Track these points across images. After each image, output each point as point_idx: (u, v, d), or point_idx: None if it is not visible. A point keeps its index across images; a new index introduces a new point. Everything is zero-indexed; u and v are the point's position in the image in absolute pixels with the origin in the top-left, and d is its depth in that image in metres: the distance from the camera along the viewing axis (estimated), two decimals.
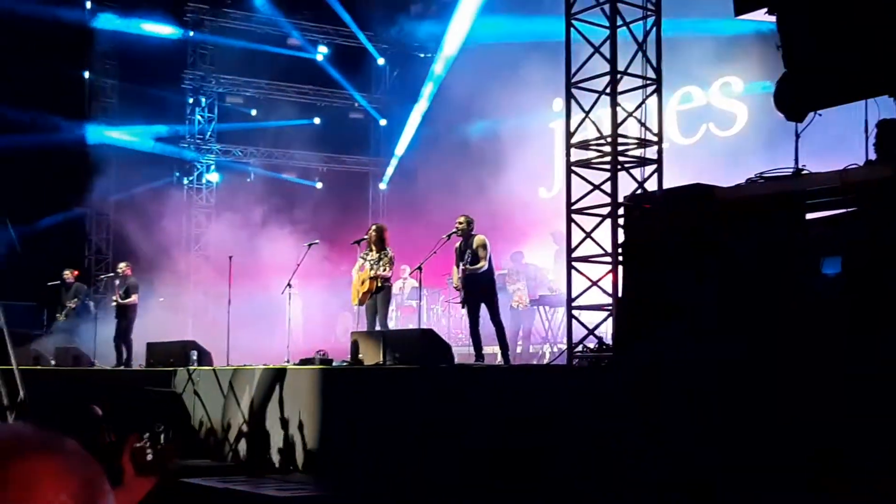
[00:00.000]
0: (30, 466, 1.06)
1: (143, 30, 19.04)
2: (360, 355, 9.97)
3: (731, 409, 5.87)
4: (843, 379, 5.43)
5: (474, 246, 10.56)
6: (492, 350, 11.35)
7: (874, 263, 5.82)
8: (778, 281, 6.46)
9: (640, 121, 9.19)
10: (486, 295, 10.47)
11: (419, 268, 11.07)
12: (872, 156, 6.98)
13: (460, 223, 10.65)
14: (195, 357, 11.65)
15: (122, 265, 14.86)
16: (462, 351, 12.41)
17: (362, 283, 11.11)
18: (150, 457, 2.08)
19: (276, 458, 9.50)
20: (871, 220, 6.14)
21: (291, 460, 9.31)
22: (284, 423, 9.45)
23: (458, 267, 10.63)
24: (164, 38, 19.28)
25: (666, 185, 8.82)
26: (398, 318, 15.25)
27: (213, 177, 20.21)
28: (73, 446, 1.12)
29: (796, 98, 7.59)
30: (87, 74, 19.27)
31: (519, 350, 13.12)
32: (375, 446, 8.31)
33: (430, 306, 15.78)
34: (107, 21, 18.85)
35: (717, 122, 13.89)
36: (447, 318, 15.64)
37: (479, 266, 10.45)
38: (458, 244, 10.73)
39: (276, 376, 9.79)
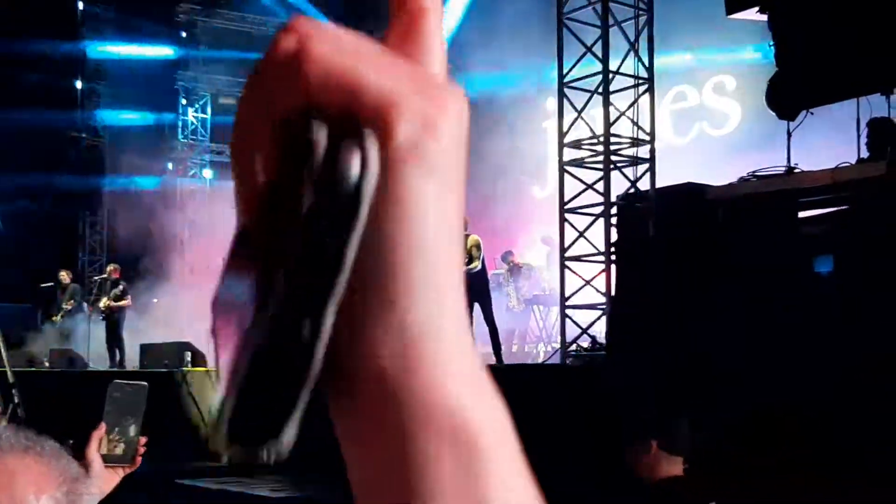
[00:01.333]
0: (9, 468, 1.06)
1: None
2: None
3: (727, 406, 5.89)
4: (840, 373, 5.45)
5: (468, 246, 10.55)
6: (486, 350, 11.35)
7: (866, 261, 5.84)
8: (770, 279, 6.48)
9: (632, 120, 9.20)
10: (479, 295, 10.46)
11: None
12: (865, 154, 7.01)
13: None
14: (189, 358, 11.63)
15: (110, 267, 14.83)
16: None
17: None
18: (118, 449, 2.09)
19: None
20: (862, 218, 6.16)
21: (286, 461, 9.29)
22: None
23: None
24: (159, 49, 19.40)
25: (659, 185, 8.83)
26: None
27: (207, 173, 20.17)
28: (53, 448, 1.12)
29: (788, 96, 7.62)
30: (78, 84, 19.26)
31: (514, 349, 13.12)
32: None
33: None
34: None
35: (710, 121, 13.92)
36: None
37: (472, 266, 10.44)
38: None
39: None
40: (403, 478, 0.35)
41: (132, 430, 2.11)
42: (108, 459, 2.06)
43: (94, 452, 2.03)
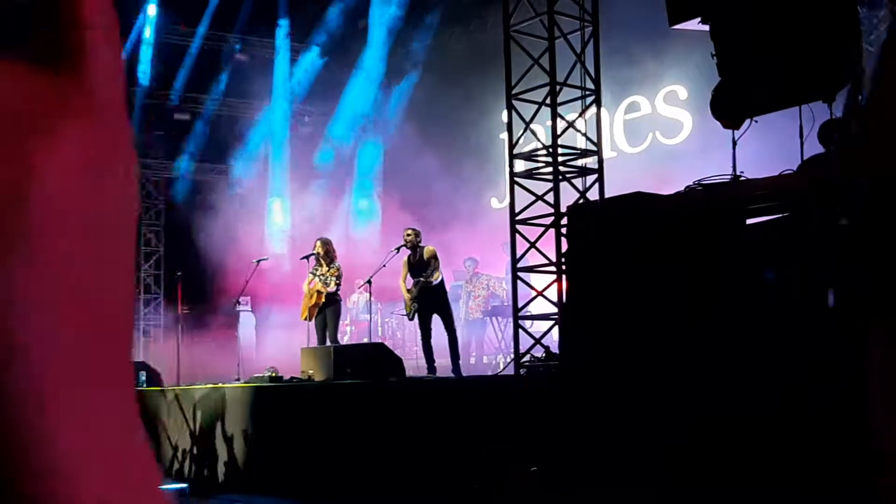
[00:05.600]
0: None
1: None
2: (309, 371, 9.89)
3: (671, 415, 5.91)
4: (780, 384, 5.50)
5: (426, 257, 10.52)
6: (446, 362, 11.32)
7: (803, 268, 5.90)
8: (719, 288, 6.52)
9: (580, 131, 9.25)
10: (439, 306, 10.41)
11: (369, 281, 11.02)
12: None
13: (408, 235, 10.61)
14: (143, 378, 11.51)
15: None
16: (420, 364, 12.37)
17: (310, 297, 11.06)
18: None
19: (222, 476, 9.40)
20: (799, 225, 6.23)
21: (238, 478, 9.22)
22: (231, 442, 9.36)
23: (406, 280, 10.59)
24: None
25: (612, 194, 8.87)
26: (353, 333, 15.16)
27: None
28: None
29: (732, 106, 7.69)
30: None
31: (472, 361, 13.10)
32: (325, 462, 8.25)
33: (384, 319, 15.72)
34: None
35: (662, 130, 14.03)
36: (402, 331, 15.57)
37: (435, 277, 10.42)
38: (406, 257, 10.68)
39: (223, 395, 9.69)
40: None
41: None
42: None
43: None
